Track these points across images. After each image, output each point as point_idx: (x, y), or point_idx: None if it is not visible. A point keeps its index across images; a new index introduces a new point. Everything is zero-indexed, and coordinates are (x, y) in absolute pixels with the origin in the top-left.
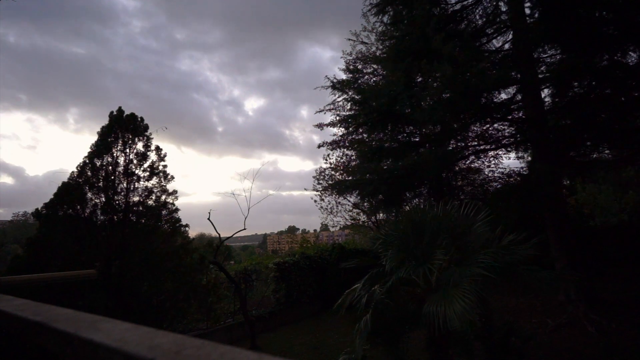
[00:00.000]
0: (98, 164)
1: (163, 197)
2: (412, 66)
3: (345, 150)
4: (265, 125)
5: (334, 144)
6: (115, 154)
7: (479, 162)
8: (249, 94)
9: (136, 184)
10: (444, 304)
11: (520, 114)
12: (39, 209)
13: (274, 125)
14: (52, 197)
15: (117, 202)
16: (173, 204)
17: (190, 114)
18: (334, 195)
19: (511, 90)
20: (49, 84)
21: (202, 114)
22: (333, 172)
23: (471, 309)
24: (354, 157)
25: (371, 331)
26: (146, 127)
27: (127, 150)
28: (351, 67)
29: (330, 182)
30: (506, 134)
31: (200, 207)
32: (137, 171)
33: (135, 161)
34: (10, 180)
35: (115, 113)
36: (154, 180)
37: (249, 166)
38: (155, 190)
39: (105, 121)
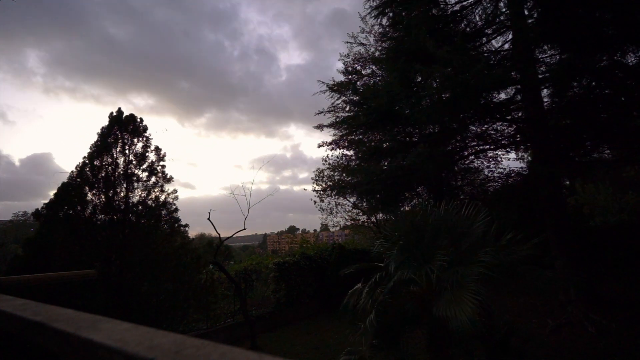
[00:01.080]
0: (97, 164)
1: (162, 197)
2: (410, 67)
3: (344, 150)
4: (302, 90)
5: (334, 144)
6: (114, 155)
7: (479, 162)
8: (289, 41)
9: (136, 184)
10: (453, 307)
11: (520, 114)
12: (39, 209)
13: (314, 90)
14: (52, 197)
15: (116, 202)
16: (173, 204)
17: (201, 63)
18: (333, 196)
19: (511, 90)
20: None
21: (218, 66)
22: (332, 173)
23: (481, 311)
24: (353, 158)
25: (372, 331)
26: (145, 128)
27: (127, 150)
28: (349, 68)
29: (329, 182)
30: (506, 134)
31: (206, 202)
32: (136, 171)
33: (134, 162)
34: None
35: (115, 114)
36: (153, 180)
37: (270, 147)
38: (154, 191)
39: (82, 73)
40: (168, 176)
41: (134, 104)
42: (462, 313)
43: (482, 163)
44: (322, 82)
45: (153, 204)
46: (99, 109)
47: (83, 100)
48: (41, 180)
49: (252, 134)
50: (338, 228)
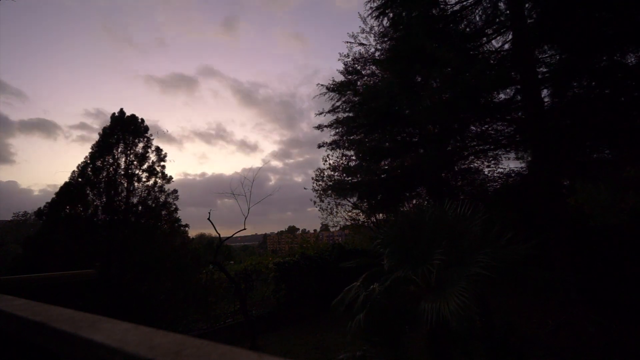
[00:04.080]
0: (99, 164)
1: (162, 197)
2: (411, 67)
3: (344, 150)
4: None
5: (334, 144)
6: (116, 155)
7: (479, 162)
8: None
9: (136, 184)
10: (439, 301)
11: (520, 114)
12: (41, 208)
13: None
14: (54, 197)
15: (117, 202)
16: (173, 204)
17: None
18: (333, 196)
19: (511, 90)
20: None
21: None
22: (332, 173)
23: (467, 307)
24: (353, 158)
25: (371, 331)
26: (146, 129)
27: (128, 151)
28: (350, 69)
29: (329, 183)
30: (506, 134)
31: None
32: (137, 172)
33: (135, 162)
34: None
35: (117, 114)
36: (153, 181)
37: None
38: (154, 191)
39: None
40: (168, 176)
41: None
42: (446, 307)
43: (482, 163)
44: (322, 85)
45: (153, 204)
46: None
47: None
48: None
49: None
50: (338, 228)
